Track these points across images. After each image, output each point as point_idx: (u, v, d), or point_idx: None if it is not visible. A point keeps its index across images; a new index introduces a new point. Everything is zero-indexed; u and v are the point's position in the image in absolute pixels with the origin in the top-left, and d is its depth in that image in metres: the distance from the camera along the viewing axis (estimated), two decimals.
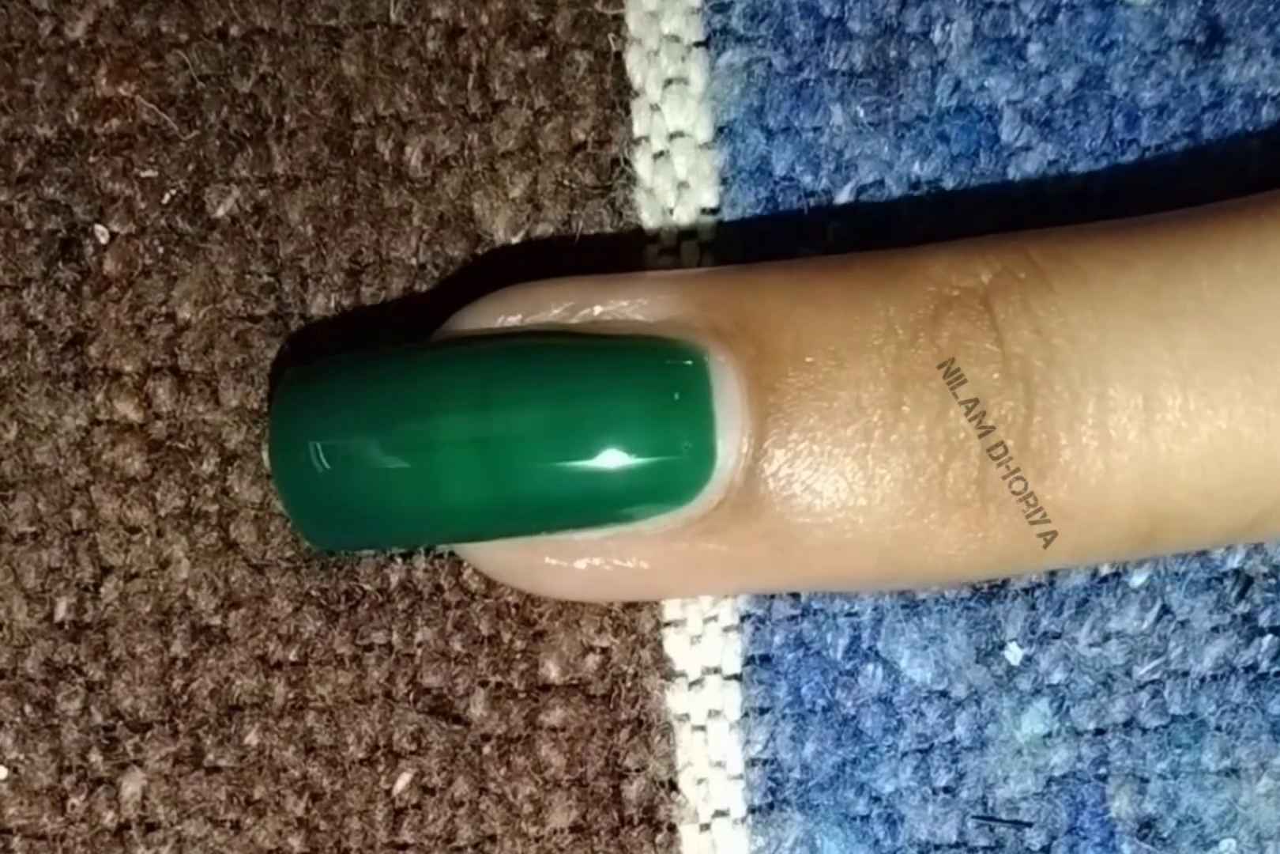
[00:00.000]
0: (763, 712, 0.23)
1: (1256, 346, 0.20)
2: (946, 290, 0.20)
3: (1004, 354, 0.20)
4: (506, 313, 0.21)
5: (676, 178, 0.23)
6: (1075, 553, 0.21)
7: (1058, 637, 0.23)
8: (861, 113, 0.23)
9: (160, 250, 0.23)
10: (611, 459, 0.20)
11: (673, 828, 0.23)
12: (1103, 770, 0.23)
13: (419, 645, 0.23)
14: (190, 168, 0.23)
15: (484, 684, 0.23)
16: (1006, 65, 0.23)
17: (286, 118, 0.23)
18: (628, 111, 0.23)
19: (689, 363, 0.20)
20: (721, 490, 0.20)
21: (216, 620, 0.23)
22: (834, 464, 0.20)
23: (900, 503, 0.20)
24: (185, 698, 0.23)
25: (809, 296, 0.20)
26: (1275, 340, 0.20)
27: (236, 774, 0.23)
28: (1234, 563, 0.23)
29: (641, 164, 0.23)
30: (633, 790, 0.23)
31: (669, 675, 0.23)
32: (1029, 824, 0.23)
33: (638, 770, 0.23)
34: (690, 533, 0.20)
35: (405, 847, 0.23)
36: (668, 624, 0.23)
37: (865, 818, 0.23)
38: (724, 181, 0.23)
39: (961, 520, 0.20)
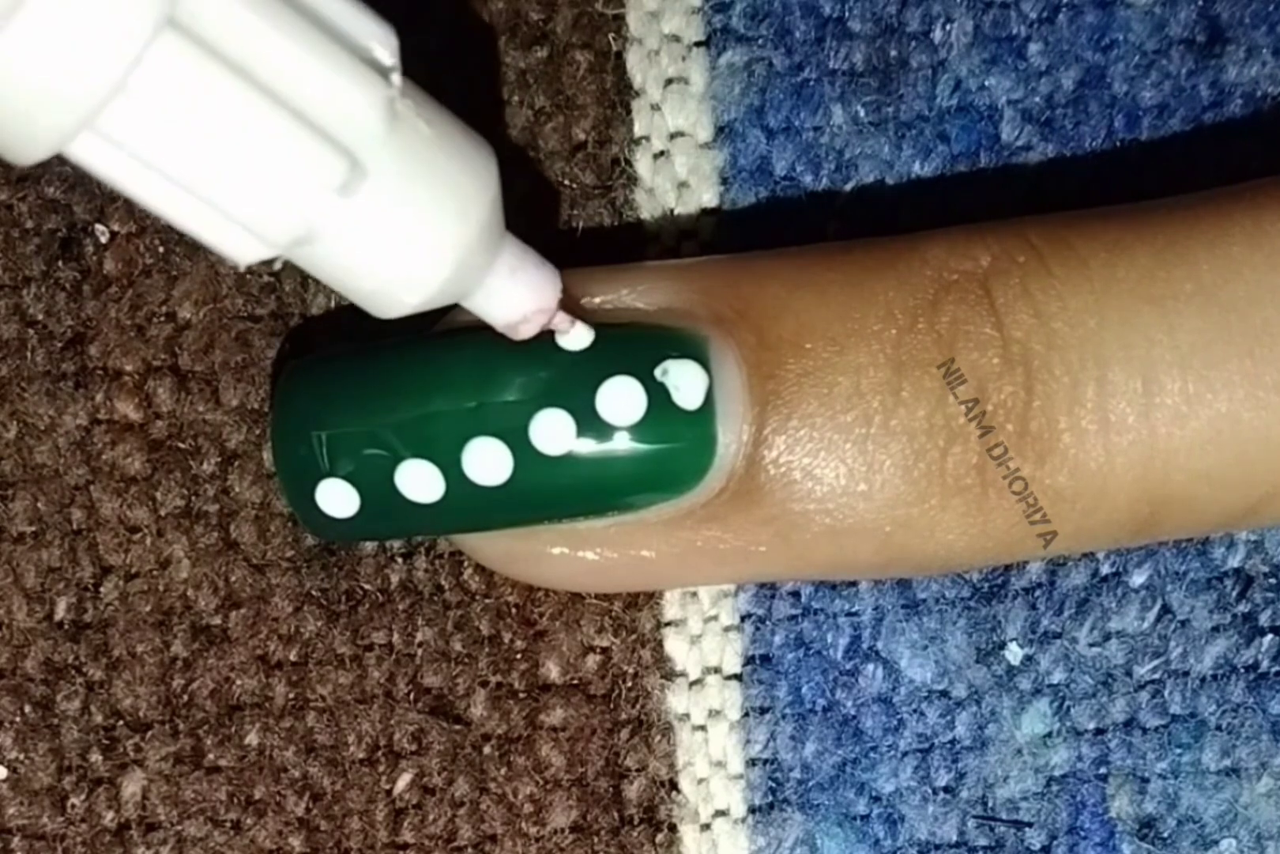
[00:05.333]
0: (763, 711, 0.23)
1: (1255, 330, 0.20)
2: (945, 274, 0.20)
3: (1003, 338, 0.20)
4: None
5: (677, 178, 0.23)
6: (1076, 537, 0.21)
7: (1058, 636, 0.23)
8: (862, 112, 0.23)
9: (160, 250, 0.23)
10: (613, 448, 0.20)
11: (673, 828, 0.23)
12: (1103, 770, 0.23)
13: (419, 645, 0.23)
14: None
15: (484, 684, 0.23)
16: (1007, 65, 0.23)
17: None
18: (628, 111, 0.23)
19: (690, 351, 0.20)
20: (723, 478, 0.20)
21: (217, 620, 0.23)
22: (834, 450, 0.20)
23: (900, 488, 0.20)
24: (185, 698, 0.23)
25: (809, 283, 0.20)
26: (1274, 323, 0.20)
27: (237, 774, 0.23)
28: (1234, 562, 0.23)
29: (642, 164, 0.23)
30: (633, 790, 0.23)
31: (669, 675, 0.23)
32: (1029, 824, 0.23)
33: (638, 770, 0.23)
34: (693, 521, 0.21)
35: (406, 847, 0.23)
36: (668, 624, 0.23)
37: (865, 818, 0.23)
38: (724, 181, 0.23)
39: (962, 505, 0.20)
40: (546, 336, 0.20)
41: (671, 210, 0.23)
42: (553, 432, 0.20)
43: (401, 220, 0.18)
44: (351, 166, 0.17)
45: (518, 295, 0.19)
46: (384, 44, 0.17)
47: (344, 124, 0.17)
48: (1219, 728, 0.23)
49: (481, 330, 0.20)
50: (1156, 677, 0.23)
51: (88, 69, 0.15)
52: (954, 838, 0.23)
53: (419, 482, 0.20)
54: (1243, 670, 0.23)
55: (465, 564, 0.23)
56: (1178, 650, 0.23)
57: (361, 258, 0.18)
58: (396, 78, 0.17)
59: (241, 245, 0.17)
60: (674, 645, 0.23)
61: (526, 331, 0.20)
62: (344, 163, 0.17)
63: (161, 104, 0.16)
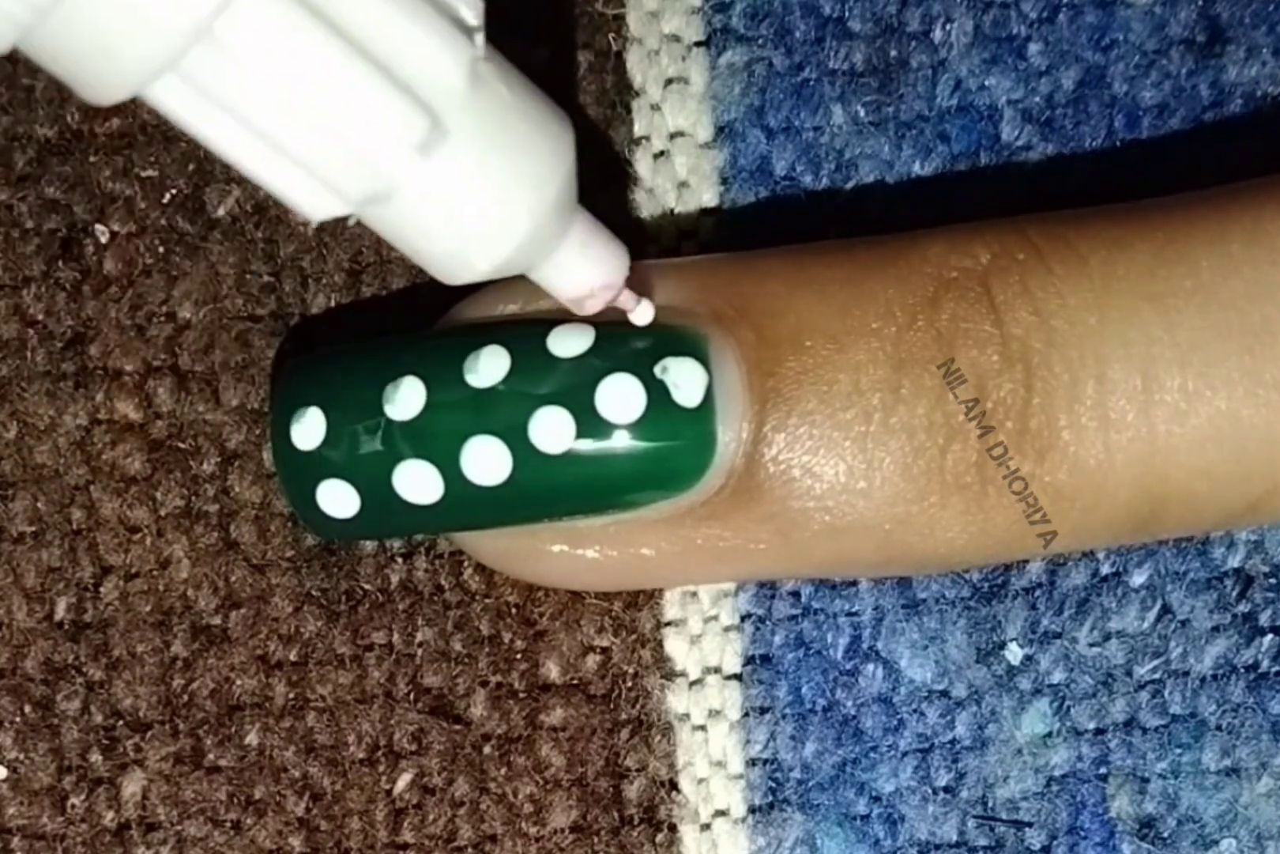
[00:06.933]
0: (763, 711, 0.23)
1: (1255, 327, 0.20)
2: (945, 272, 0.20)
3: (1003, 336, 0.20)
4: (506, 301, 0.21)
5: (677, 178, 0.23)
6: (1075, 535, 0.21)
7: (1058, 636, 0.23)
8: (862, 112, 0.23)
9: (160, 250, 0.23)
10: (612, 446, 0.20)
11: (673, 828, 0.23)
12: (1103, 770, 0.23)
13: (419, 645, 0.23)
14: (190, 167, 0.23)
15: (484, 684, 0.23)
16: (1007, 65, 0.23)
17: None
18: (628, 111, 0.23)
19: (689, 349, 0.20)
20: (722, 476, 0.20)
21: (217, 620, 0.23)
22: (834, 448, 0.20)
23: (900, 486, 0.20)
24: (185, 698, 0.23)
25: (809, 281, 0.20)
26: (1274, 320, 0.20)
27: (237, 774, 0.23)
28: (1234, 562, 0.23)
29: (642, 164, 0.23)
30: (633, 790, 0.23)
31: (669, 675, 0.23)
32: (1029, 824, 0.23)
33: (638, 770, 0.23)
34: (692, 519, 0.21)
35: (406, 847, 0.23)
36: (668, 624, 0.23)
37: (865, 818, 0.23)
38: (724, 181, 0.23)
39: (961, 503, 0.20)
40: (544, 335, 0.20)
41: (671, 210, 0.23)
42: (552, 430, 0.20)
43: (478, 183, 0.18)
44: (432, 125, 0.17)
45: (586, 270, 0.19)
46: (469, 5, 0.17)
47: (427, 81, 0.17)
48: (1219, 728, 0.23)
49: (481, 329, 0.20)
50: (1156, 677, 0.23)
51: (174, 10, 0.15)
52: (954, 838, 0.23)
53: (418, 481, 0.20)
54: (1243, 670, 0.23)
55: (465, 564, 0.23)
56: (1178, 650, 0.23)
57: (436, 220, 0.18)
58: (480, 39, 0.17)
59: (316, 200, 0.17)
60: (674, 645, 0.23)
61: (592, 307, 0.19)
62: (425, 120, 0.17)
63: (246, 50, 0.16)
